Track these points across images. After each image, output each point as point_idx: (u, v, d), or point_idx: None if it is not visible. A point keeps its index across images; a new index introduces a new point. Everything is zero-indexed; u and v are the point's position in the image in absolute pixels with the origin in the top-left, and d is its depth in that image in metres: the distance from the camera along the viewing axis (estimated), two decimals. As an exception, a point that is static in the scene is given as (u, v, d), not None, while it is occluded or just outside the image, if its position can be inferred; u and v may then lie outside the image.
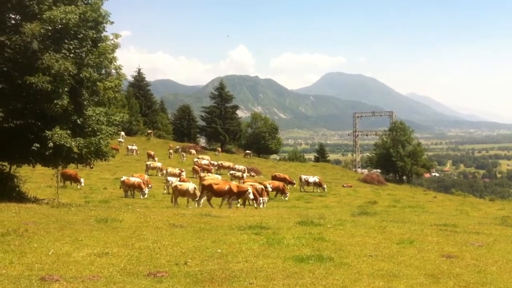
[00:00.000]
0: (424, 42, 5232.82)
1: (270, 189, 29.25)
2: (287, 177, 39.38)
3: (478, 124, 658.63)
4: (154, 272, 8.09)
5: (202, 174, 38.07)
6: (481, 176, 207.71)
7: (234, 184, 23.95)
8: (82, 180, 31.26)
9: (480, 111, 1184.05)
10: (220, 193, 22.72)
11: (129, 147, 58.91)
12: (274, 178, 37.70)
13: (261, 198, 24.18)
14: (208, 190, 22.59)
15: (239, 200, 23.98)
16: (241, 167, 48.27)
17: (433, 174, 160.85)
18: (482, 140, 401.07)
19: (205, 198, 22.80)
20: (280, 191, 31.76)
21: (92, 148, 17.13)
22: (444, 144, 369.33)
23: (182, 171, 38.72)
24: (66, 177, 31.03)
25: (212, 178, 27.96)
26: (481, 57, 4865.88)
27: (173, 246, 10.20)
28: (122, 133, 65.29)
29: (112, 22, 17.77)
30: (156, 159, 51.25)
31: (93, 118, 17.69)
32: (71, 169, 30.74)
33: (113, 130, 18.52)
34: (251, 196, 23.06)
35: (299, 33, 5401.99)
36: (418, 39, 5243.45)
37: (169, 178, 31.99)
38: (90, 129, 17.53)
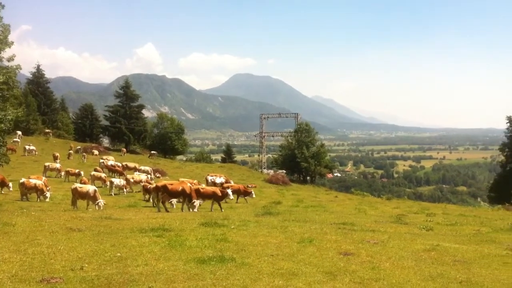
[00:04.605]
0: (329, 47, 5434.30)
1: (231, 196, 25.90)
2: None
3: (378, 127, 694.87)
4: (48, 278, 7.79)
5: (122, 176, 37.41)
6: (380, 176, 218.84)
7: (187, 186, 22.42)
8: (10, 184, 28.52)
9: (380, 114, 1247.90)
10: (175, 194, 21.99)
11: (27, 147, 55.77)
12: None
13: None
14: (163, 192, 21.76)
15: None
16: (147, 168, 47.31)
17: (335, 174, 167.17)
18: (381, 142, 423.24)
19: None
20: (242, 193, 30.13)
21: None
22: (346, 145, 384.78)
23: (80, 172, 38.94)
24: None
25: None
26: (383, 63, 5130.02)
27: (69, 250, 9.83)
28: (19, 132, 62.27)
29: (3, 5, 16.65)
30: (58, 160, 48.93)
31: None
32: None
33: (5, 127, 17.43)
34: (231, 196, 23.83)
35: (209, 33, 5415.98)
36: (323, 43, 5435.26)
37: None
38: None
